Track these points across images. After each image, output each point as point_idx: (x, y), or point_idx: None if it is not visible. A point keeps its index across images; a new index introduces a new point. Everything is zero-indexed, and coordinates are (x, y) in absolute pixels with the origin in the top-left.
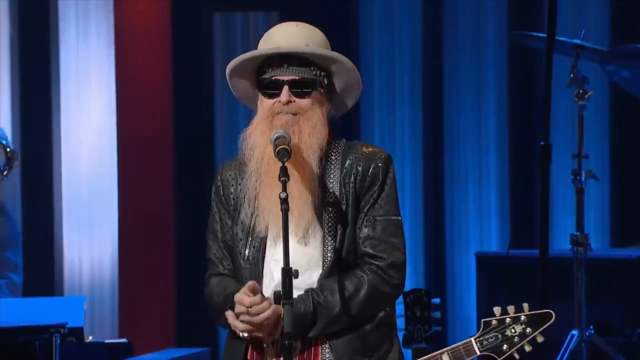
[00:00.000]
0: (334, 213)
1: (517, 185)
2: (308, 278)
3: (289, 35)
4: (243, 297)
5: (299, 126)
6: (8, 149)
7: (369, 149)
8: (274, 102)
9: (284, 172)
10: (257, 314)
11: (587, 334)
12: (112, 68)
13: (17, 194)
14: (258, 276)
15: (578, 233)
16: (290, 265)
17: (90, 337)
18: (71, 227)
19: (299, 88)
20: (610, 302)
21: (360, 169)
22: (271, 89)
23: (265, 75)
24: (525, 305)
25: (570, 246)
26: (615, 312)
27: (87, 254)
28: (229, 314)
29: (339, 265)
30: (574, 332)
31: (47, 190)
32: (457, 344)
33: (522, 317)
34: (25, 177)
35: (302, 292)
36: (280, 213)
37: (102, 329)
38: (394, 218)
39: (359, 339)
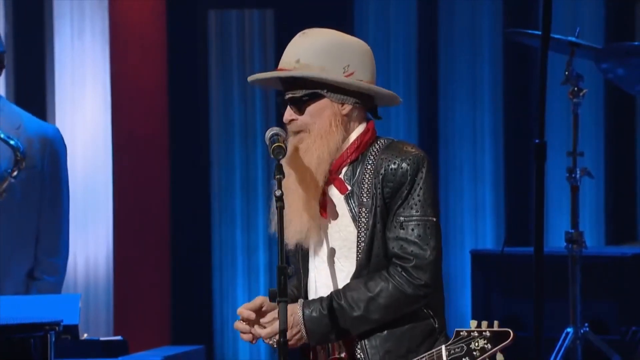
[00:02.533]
0: (367, 213)
1: (512, 182)
2: (344, 279)
3: (289, 50)
4: (242, 310)
5: (305, 144)
6: (18, 150)
7: (404, 148)
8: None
9: (279, 170)
10: (243, 330)
11: (581, 331)
12: (107, 66)
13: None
14: (303, 284)
15: (573, 230)
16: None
17: (85, 335)
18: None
19: (296, 105)
20: (605, 300)
21: (391, 167)
22: (283, 108)
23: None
24: (496, 323)
25: (565, 244)
26: (610, 310)
27: (82, 252)
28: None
29: (368, 266)
30: (569, 329)
31: None
32: (432, 350)
33: (485, 333)
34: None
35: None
36: (277, 212)
37: (97, 327)
38: (426, 219)
39: (392, 340)
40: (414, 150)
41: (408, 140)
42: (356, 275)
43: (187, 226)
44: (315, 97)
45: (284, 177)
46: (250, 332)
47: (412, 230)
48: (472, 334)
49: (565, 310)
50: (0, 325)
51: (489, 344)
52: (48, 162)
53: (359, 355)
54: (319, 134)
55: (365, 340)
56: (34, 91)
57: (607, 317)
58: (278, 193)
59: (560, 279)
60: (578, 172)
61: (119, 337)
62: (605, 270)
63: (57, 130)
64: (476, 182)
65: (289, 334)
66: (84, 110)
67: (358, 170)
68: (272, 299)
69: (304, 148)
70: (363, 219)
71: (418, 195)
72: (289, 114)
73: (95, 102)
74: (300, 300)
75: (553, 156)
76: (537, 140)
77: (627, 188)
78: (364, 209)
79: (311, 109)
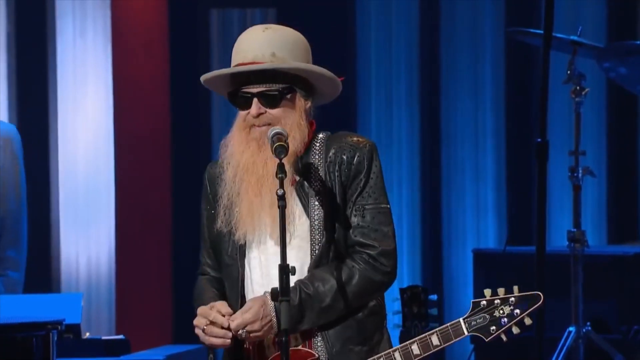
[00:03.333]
0: (320, 203)
1: (514, 181)
2: (299, 270)
3: (255, 44)
4: (207, 311)
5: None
6: None
7: (353, 139)
8: (247, 114)
9: (281, 169)
10: (212, 334)
11: (583, 330)
12: (109, 65)
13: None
14: (239, 275)
15: (575, 229)
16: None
17: (87, 334)
18: (68, 224)
19: (268, 99)
20: (607, 299)
21: (345, 157)
22: (242, 102)
23: (235, 87)
24: (515, 288)
25: (567, 243)
26: (612, 309)
27: (84, 251)
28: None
29: (328, 255)
30: (571, 328)
31: (44, 187)
32: (446, 325)
33: (511, 299)
34: None
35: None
36: (278, 210)
37: (99, 326)
38: (383, 206)
39: (352, 328)
40: (364, 140)
41: (348, 131)
42: (315, 265)
43: (189, 225)
44: (289, 92)
45: (285, 176)
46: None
47: (373, 218)
48: (495, 302)
49: (567, 309)
50: (2, 324)
51: (516, 310)
52: (8, 159)
53: (319, 345)
54: (292, 129)
55: (328, 330)
56: (36, 90)
57: (609, 317)
58: (280, 192)
59: (562, 278)
60: (580, 171)
61: (120, 336)
62: (607, 270)
63: (15, 129)
64: (478, 181)
65: (258, 325)
66: (86, 109)
67: (304, 162)
68: (273, 298)
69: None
70: (315, 209)
71: (375, 184)
72: (257, 107)
73: (97, 102)
74: (267, 292)
75: (555, 155)
76: (539, 140)
77: (629, 187)
78: (313, 199)
79: (285, 103)
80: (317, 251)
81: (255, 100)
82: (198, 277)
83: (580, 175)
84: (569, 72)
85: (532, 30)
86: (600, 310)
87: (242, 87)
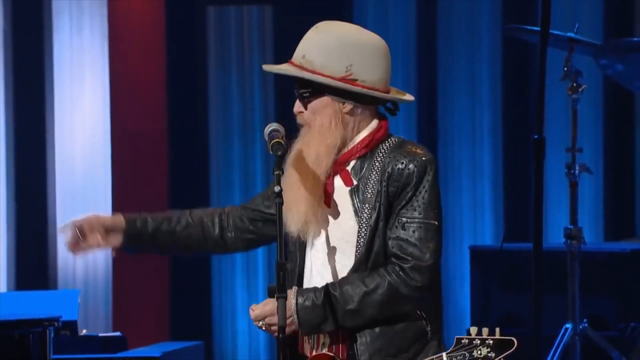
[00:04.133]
0: (369, 209)
1: (511, 178)
2: (339, 273)
3: (302, 42)
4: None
5: (307, 136)
6: None
7: (412, 149)
8: None
9: (278, 165)
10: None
11: (580, 327)
12: (106, 62)
13: (11, 189)
14: (296, 267)
15: (572, 226)
16: (327, 263)
17: (84, 331)
18: (65, 220)
19: (301, 100)
20: (603, 296)
21: (397, 167)
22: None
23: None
24: (497, 330)
25: (564, 240)
26: (608, 306)
27: None
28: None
29: (367, 263)
30: (568, 325)
31: (41, 184)
32: (432, 357)
33: (489, 341)
34: (19, 171)
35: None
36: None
37: (96, 323)
38: (428, 222)
39: (383, 338)
40: (422, 152)
41: (415, 141)
42: (354, 270)
43: None
44: (316, 94)
45: (282, 172)
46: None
47: (413, 232)
48: (474, 341)
49: (564, 306)
50: None
51: (492, 353)
52: None
53: (347, 352)
54: (318, 131)
55: (356, 337)
56: (33, 88)
57: (606, 313)
58: (277, 189)
59: (559, 275)
60: (577, 168)
61: (117, 333)
62: (604, 266)
63: None
64: (475, 179)
65: (276, 319)
66: (82, 107)
67: (365, 165)
68: (270, 295)
69: (305, 142)
70: (365, 215)
71: (423, 198)
72: (297, 106)
73: (94, 99)
74: (295, 288)
75: (552, 152)
76: (535, 136)
77: (626, 184)
78: (366, 205)
79: (312, 105)
80: (358, 257)
81: (297, 99)
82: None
83: (577, 172)
84: (565, 69)
85: (529, 27)
86: (597, 307)
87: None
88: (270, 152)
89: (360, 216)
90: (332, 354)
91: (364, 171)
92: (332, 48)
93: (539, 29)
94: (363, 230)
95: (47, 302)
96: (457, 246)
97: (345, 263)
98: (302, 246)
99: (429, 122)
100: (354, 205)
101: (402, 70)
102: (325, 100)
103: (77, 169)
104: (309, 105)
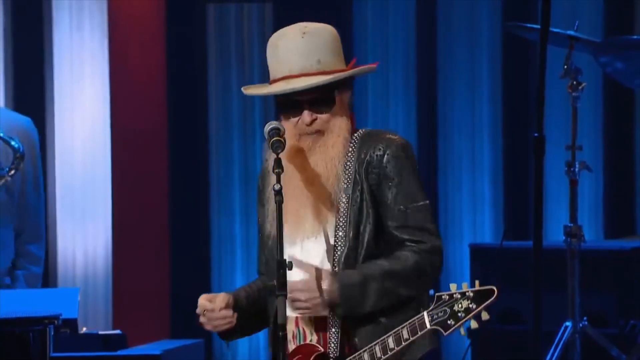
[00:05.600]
0: (348, 201)
1: (511, 176)
2: (319, 265)
3: (298, 53)
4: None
5: (324, 141)
6: (18, 151)
7: (387, 136)
8: (297, 121)
9: (277, 164)
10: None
11: (580, 325)
12: (106, 59)
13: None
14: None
15: (572, 224)
16: (303, 258)
17: (84, 329)
18: (65, 218)
19: (320, 105)
20: (603, 294)
21: (375, 155)
22: (290, 109)
23: (283, 94)
24: (477, 282)
25: (563, 237)
26: (608, 304)
27: (81, 246)
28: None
29: (356, 254)
30: (568, 323)
31: None
32: (413, 318)
33: (468, 293)
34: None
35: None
36: (276, 206)
37: (96, 320)
38: (421, 204)
39: (379, 329)
40: (397, 137)
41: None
42: (346, 262)
43: (186, 219)
44: (336, 95)
45: (282, 171)
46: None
47: (415, 216)
48: (454, 296)
49: (564, 304)
50: None
51: (473, 304)
52: (28, 154)
53: (333, 339)
54: (341, 130)
55: (354, 331)
56: (33, 85)
57: (605, 311)
58: (277, 187)
59: (559, 272)
60: (577, 165)
61: (117, 331)
62: (604, 264)
63: (32, 122)
64: (475, 176)
65: (304, 296)
66: (82, 103)
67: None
68: (268, 294)
69: (330, 144)
70: (342, 206)
71: (410, 182)
72: (309, 115)
73: (94, 96)
74: (327, 269)
75: (552, 150)
76: (535, 134)
77: (626, 182)
78: (342, 196)
79: (333, 106)
80: (341, 249)
81: (306, 110)
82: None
83: (577, 169)
84: (565, 66)
85: (529, 24)
86: (597, 305)
87: (291, 95)
88: (270, 150)
89: (339, 209)
90: (315, 344)
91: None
92: (336, 45)
93: (539, 26)
94: (341, 222)
95: (47, 300)
96: (457, 243)
97: (322, 254)
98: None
99: (428, 119)
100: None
101: (402, 66)
102: (340, 97)
103: (77, 165)
104: (332, 108)
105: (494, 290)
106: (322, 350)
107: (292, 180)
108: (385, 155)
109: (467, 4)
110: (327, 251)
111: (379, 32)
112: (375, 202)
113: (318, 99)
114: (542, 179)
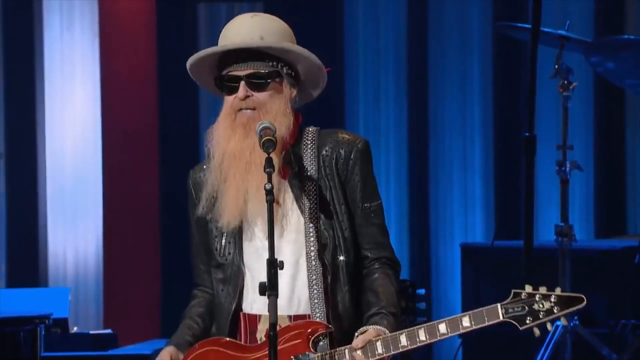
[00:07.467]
0: (313, 196)
1: (502, 176)
2: (295, 263)
3: (243, 29)
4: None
5: (260, 118)
6: None
7: (348, 136)
8: (234, 98)
9: (269, 163)
10: None
11: (571, 324)
12: (97, 59)
13: (1, 186)
14: (238, 272)
15: (563, 224)
16: (276, 257)
17: (75, 328)
18: (56, 218)
19: (256, 81)
20: (594, 293)
21: (342, 152)
22: (229, 86)
23: (223, 71)
24: (558, 289)
25: (554, 237)
26: (599, 303)
27: (72, 245)
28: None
29: (335, 247)
30: (558, 322)
31: (32, 181)
32: (481, 308)
33: (553, 297)
34: (10, 168)
35: (285, 279)
36: (266, 203)
37: (87, 320)
38: (380, 202)
39: (355, 321)
40: (358, 136)
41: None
42: (315, 256)
43: (177, 219)
44: (277, 75)
45: (274, 170)
46: None
47: (376, 218)
48: (536, 296)
49: None
50: None
51: (556, 307)
52: None
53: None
54: (277, 114)
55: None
56: (24, 85)
57: (596, 311)
58: (268, 186)
59: (549, 272)
60: (568, 165)
61: (108, 331)
62: (595, 264)
63: None
64: (466, 176)
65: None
66: (73, 103)
67: (295, 154)
68: (261, 293)
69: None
70: (307, 202)
71: (371, 182)
72: (244, 89)
73: (84, 96)
74: (376, 327)
75: (543, 149)
76: (526, 134)
77: (617, 181)
78: (306, 192)
79: (272, 87)
80: (315, 244)
81: (242, 82)
82: (193, 291)
83: (567, 169)
84: (556, 66)
85: (520, 24)
86: (587, 305)
87: (230, 70)
88: (262, 150)
89: (304, 204)
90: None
91: (296, 160)
92: (284, 31)
93: (530, 26)
94: (308, 217)
95: (38, 300)
96: (448, 243)
97: (301, 253)
98: (239, 247)
99: (419, 119)
100: (294, 194)
101: (393, 66)
102: (282, 82)
103: (68, 165)
104: (269, 86)
105: (583, 299)
106: (328, 327)
107: (238, 164)
108: (353, 153)
109: (458, 4)
110: (299, 248)
111: (370, 32)
112: (340, 197)
113: (254, 75)
114: (533, 178)
